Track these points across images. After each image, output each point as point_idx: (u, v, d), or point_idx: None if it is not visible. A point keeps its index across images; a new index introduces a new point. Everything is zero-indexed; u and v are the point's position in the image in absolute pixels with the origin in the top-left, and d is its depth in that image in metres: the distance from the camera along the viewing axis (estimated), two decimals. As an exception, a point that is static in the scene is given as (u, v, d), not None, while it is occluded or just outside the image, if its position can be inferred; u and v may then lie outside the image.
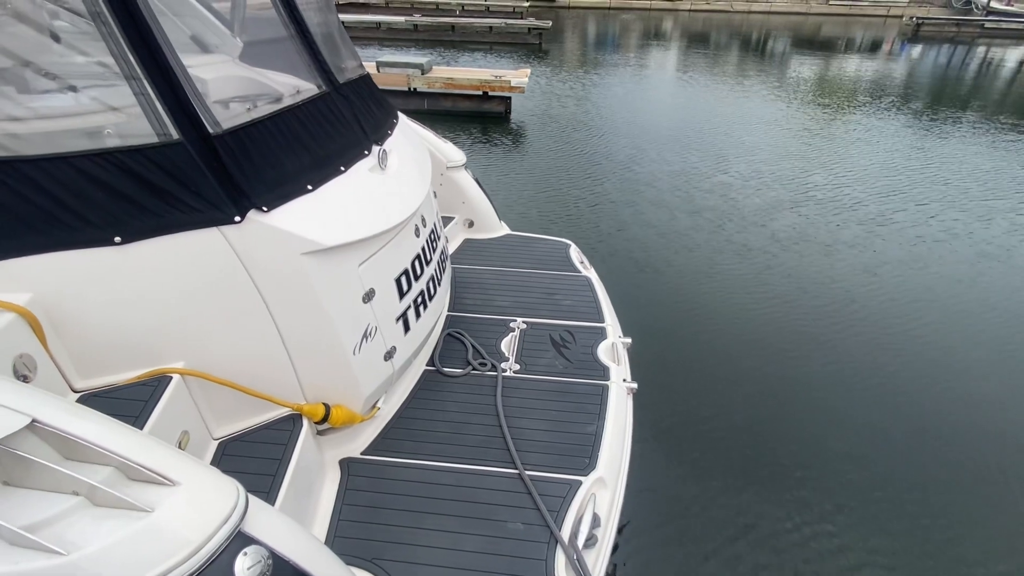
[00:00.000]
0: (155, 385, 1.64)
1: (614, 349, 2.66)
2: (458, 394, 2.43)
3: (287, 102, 1.90)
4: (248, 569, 1.19)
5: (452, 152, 3.58)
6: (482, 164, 7.66)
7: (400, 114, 2.80)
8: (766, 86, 13.03)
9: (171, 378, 1.68)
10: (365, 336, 2.03)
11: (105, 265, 1.51)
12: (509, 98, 9.48)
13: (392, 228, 2.06)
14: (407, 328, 2.27)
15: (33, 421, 1.17)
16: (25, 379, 1.49)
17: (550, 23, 18.68)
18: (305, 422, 1.94)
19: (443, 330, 2.77)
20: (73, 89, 1.61)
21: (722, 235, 5.91)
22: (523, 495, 1.97)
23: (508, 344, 2.71)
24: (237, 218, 1.59)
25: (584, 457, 2.09)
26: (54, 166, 1.43)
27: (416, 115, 3.63)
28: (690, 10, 28.55)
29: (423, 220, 2.42)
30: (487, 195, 3.80)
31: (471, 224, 3.75)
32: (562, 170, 7.54)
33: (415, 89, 9.34)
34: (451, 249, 3.52)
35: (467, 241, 3.65)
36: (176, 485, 1.22)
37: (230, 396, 1.82)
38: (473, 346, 2.69)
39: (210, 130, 1.57)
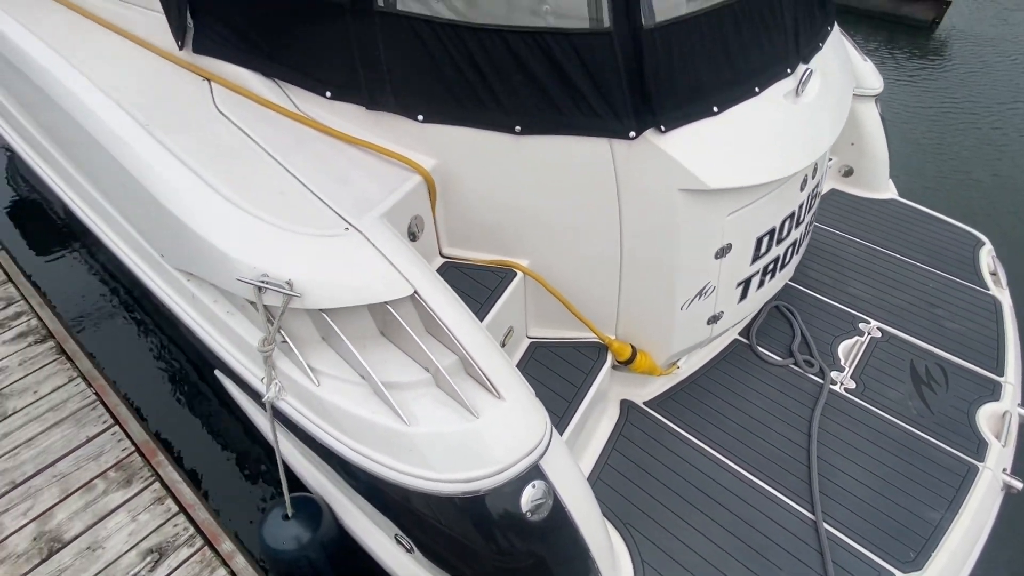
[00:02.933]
0: (502, 276, 1.72)
1: (1005, 421, 1.94)
2: (766, 386, 2.06)
3: None
4: (532, 501, 1.28)
5: (869, 76, 2.76)
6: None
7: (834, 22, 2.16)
8: None
9: (515, 274, 1.74)
10: (700, 294, 1.77)
11: (500, 150, 1.55)
12: (948, 2, 7.16)
13: (786, 177, 1.67)
14: (743, 296, 1.93)
15: (415, 293, 1.32)
16: (413, 237, 1.66)
17: None
18: (609, 356, 1.86)
19: (771, 299, 2.34)
20: None
21: None
22: (810, 550, 1.63)
23: (848, 350, 2.17)
24: (632, 133, 1.47)
25: (911, 548, 1.62)
26: (490, 38, 1.42)
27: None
28: None
29: (814, 169, 1.93)
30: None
31: (849, 173, 2.98)
32: (994, 123, 5.49)
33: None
34: None
35: (836, 193, 2.94)
36: (501, 399, 1.31)
37: (553, 305, 1.82)
38: (802, 334, 2.22)
39: (644, 21, 1.40)
